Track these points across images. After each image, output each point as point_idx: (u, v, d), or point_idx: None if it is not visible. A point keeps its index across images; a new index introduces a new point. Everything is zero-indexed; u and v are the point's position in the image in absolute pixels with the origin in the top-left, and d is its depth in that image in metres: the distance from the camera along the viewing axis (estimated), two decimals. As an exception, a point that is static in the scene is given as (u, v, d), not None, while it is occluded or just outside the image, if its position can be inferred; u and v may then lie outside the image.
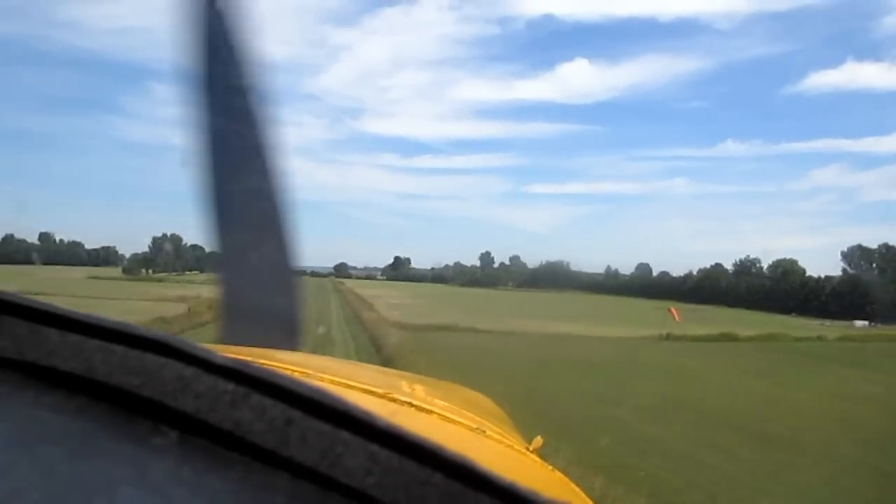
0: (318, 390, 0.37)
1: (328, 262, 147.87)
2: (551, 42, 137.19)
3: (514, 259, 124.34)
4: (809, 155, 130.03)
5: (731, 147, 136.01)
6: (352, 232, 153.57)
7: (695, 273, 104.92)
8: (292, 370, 0.95)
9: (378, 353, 21.27)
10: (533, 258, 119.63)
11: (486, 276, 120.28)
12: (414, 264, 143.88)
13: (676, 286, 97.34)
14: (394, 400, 0.97)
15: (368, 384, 1.00)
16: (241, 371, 0.38)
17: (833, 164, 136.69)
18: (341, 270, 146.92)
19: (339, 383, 0.96)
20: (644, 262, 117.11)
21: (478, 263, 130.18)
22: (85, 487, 0.35)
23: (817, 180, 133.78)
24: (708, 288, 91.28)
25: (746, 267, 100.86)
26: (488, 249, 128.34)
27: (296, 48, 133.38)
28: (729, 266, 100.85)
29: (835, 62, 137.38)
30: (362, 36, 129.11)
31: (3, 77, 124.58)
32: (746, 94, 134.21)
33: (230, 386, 0.37)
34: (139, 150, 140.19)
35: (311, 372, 0.98)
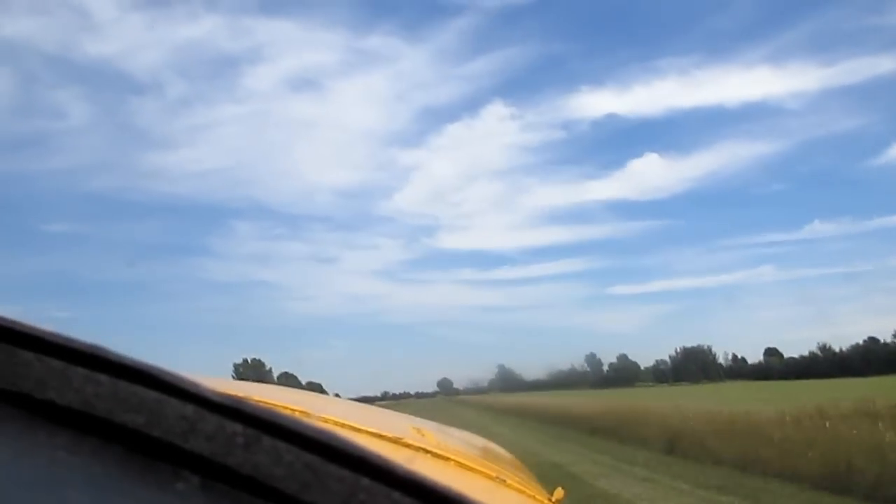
0: (332, 435, 0.36)
1: (425, 386, 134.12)
2: (618, 140, 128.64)
3: (622, 357, 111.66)
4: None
5: (819, 227, 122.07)
6: (442, 350, 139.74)
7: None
8: (291, 409, 0.92)
9: None
10: (637, 358, 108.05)
11: (618, 374, 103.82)
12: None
13: (879, 359, 78.20)
14: (407, 445, 0.94)
15: (375, 428, 0.97)
16: (246, 412, 0.36)
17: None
18: (446, 388, 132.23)
19: (344, 425, 0.94)
20: (771, 346, 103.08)
21: (586, 367, 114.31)
22: None
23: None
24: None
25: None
26: (593, 351, 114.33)
27: (366, 173, 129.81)
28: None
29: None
30: (429, 154, 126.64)
31: (99, 230, 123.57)
32: (829, 172, 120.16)
33: (238, 427, 0.36)
34: (224, 289, 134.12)
35: (311, 412, 0.95)
